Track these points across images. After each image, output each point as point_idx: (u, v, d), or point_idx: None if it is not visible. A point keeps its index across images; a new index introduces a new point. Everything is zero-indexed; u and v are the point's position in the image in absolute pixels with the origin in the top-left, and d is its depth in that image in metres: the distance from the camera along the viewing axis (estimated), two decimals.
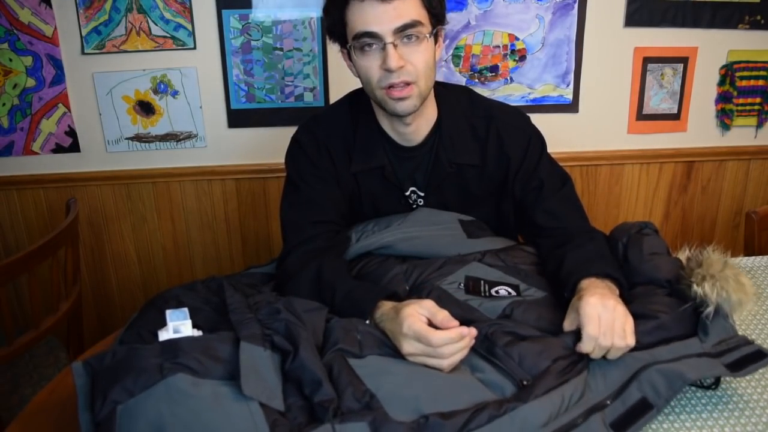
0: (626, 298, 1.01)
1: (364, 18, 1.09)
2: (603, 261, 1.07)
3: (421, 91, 1.15)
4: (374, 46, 1.11)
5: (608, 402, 0.85)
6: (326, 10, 1.17)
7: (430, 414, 0.79)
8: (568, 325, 0.96)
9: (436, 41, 1.17)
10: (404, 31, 1.09)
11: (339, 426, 0.77)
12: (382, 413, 0.79)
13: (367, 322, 1.00)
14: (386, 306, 1.00)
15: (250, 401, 0.78)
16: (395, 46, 1.09)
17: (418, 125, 1.22)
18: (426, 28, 1.12)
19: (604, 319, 0.91)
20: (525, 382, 0.86)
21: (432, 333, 0.89)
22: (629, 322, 0.93)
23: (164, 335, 0.87)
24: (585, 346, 0.91)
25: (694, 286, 0.95)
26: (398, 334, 0.92)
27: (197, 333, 0.89)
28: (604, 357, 0.92)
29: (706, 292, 0.94)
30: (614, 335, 0.90)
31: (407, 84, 1.12)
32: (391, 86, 1.12)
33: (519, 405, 0.81)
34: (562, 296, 1.03)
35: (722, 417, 0.87)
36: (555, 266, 1.09)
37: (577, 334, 0.92)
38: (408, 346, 0.90)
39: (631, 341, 0.91)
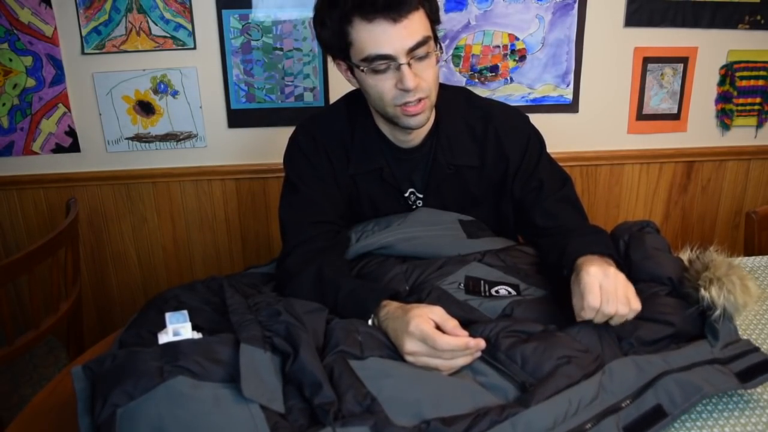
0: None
1: (374, 40, 1.07)
2: (605, 246, 1.07)
3: (432, 103, 1.16)
4: (387, 67, 1.09)
5: (623, 405, 0.83)
6: (321, 22, 1.12)
7: (432, 419, 0.79)
8: (576, 303, 0.94)
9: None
10: (417, 49, 1.08)
11: (340, 429, 0.76)
12: (384, 417, 0.79)
13: (370, 321, 1.00)
14: (392, 305, 0.99)
15: (250, 403, 0.78)
16: (410, 65, 1.08)
17: (419, 129, 1.22)
18: (432, 42, 1.11)
19: (605, 286, 0.91)
20: (528, 385, 0.86)
21: (439, 336, 0.89)
22: (631, 288, 0.93)
23: (164, 338, 0.87)
24: (586, 314, 0.91)
25: (702, 291, 0.95)
26: (402, 332, 0.91)
27: (197, 335, 0.89)
28: (607, 323, 0.92)
29: (713, 296, 0.93)
30: (617, 302, 0.90)
31: (420, 99, 1.12)
32: (405, 103, 1.11)
33: (521, 410, 0.80)
34: (563, 293, 1.03)
35: (722, 417, 0.87)
36: (558, 254, 1.08)
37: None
38: (411, 345, 0.90)
39: (635, 305, 0.91)
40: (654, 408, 0.83)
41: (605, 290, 0.91)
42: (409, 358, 0.91)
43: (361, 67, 1.10)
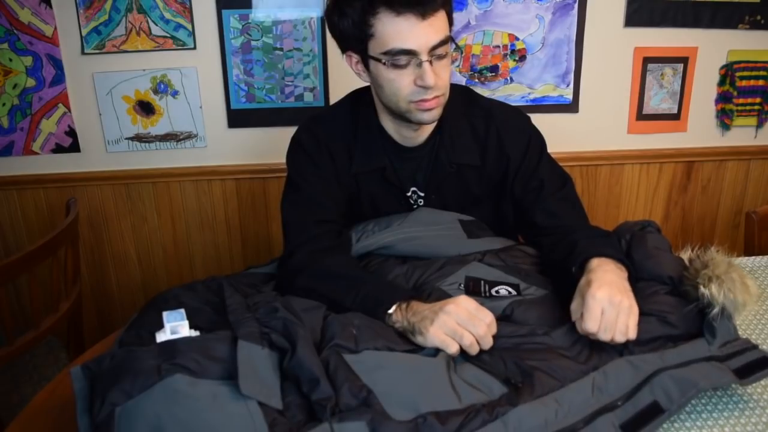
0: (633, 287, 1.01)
1: (400, 33, 1.07)
2: (615, 249, 1.06)
3: (445, 101, 1.16)
4: (407, 63, 1.09)
5: (619, 403, 0.84)
6: (341, 11, 1.11)
7: (427, 413, 0.79)
8: (574, 308, 0.96)
9: None
10: (438, 48, 1.08)
11: (337, 425, 0.76)
12: (380, 410, 0.79)
13: (393, 308, 0.99)
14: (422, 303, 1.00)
15: (248, 400, 0.78)
16: (431, 63, 1.09)
17: (424, 127, 1.22)
18: (449, 43, 1.12)
19: (607, 315, 0.91)
20: (513, 381, 0.85)
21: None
22: (633, 317, 0.92)
23: (162, 336, 0.87)
24: (583, 332, 0.92)
25: (701, 288, 0.95)
26: (449, 300, 0.94)
27: (195, 333, 0.89)
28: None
29: (713, 293, 0.93)
30: (615, 332, 0.90)
31: (435, 97, 1.12)
32: (421, 100, 1.12)
33: (510, 409, 0.80)
34: (564, 292, 1.03)
35: (722, 417, 0.87)
36: (566, 252, 1.08)
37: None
38: (457, 307, 0.92)
39: (632, 335, 0.91)
40: (650, 404, 0.83)
41: (606, 318, 0.91)
42: (442, 317, 0.91)
43: (383, 60, 1.10)
